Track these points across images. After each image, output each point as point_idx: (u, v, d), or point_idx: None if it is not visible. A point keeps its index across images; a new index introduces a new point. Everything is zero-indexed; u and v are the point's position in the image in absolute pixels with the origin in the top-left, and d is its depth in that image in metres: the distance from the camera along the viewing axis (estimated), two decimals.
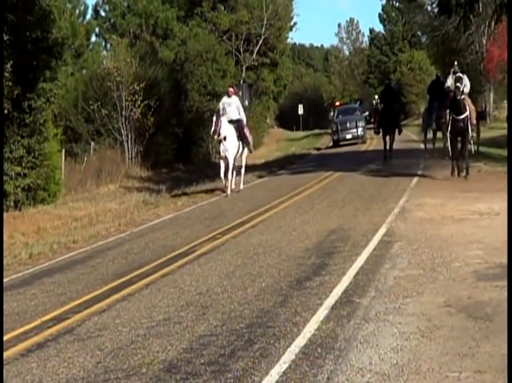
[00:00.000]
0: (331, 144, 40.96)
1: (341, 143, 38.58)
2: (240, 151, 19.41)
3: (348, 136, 38.66)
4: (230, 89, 20.58)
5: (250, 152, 20.38)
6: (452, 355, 5.50)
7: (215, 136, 19.10)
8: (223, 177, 18.96)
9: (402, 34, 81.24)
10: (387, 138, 23.51)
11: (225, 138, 18.71)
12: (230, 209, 15.65)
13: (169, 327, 6.91)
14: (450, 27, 34.86)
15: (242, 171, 19.97)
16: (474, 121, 17.24)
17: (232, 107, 19.46)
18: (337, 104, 50.47)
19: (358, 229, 11.24)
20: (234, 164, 19.11)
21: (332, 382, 5.21)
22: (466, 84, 16.75)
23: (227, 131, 18.78)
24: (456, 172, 16.78)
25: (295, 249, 10.16)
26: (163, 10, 48.09)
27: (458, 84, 16.33)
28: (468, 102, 16.77)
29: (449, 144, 17.11)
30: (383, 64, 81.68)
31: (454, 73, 17.07)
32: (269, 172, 25.43)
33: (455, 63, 17.48)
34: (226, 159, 18.90)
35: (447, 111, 16.85)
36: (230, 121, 19.10)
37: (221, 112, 19.10)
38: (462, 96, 16.38)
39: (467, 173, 16.61)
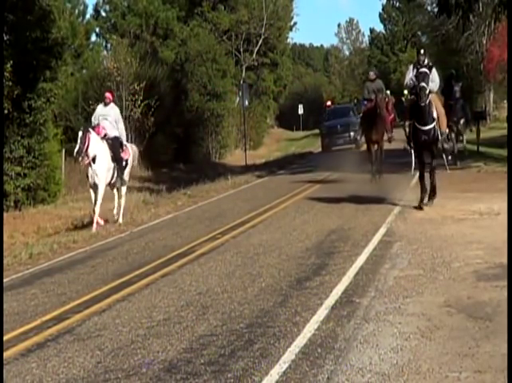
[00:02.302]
0: (320, 149, 35.98)
1: (334, 148, 33.26)
2: (115, 176, 15.27)
3: (339, 141, 33.34)
4: (107, 95, 15.91)
5: (122, 182, 15.72)
6: (452, 355, 5.50)
7: (80, 158, 14.75)
8: (94, 210, 14.91)
9: (402, 34, 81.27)
10: (374, 148, 18.25)
11: (94, 160, 14.57)
12: (230, 209, 15.65)
13: (169, 327, 6.92)
14: (450, 27, 34.88)
15: (122, 201, 15.78)
16: (445, 129, 13.19)
17: (109, 120, 15.23)
18: (328, 103, 43.97)
19: (358, 229, 11.24)
20: (103, 193, 14.99)
21: (332, 382, 5.21)
22: (433, 80, 12.64)
23: (97, 150, 14.63)
24: (425, 199, 12.82)
25: (295, 249, 10.16)
26: (164, 10, 48.12)
27: (423, 84, 12.14)
28: (436, 104, 12.80)
29: (414, 160, 13.33)
30: (383, 64, 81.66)
31: (419, 65, 12.65)
32: (269, 172, 25.46)
33: (421, 51, 13.07)
34: (95, 186, 14.83)
35: (409, 116, 13.08)
36: (105, 138, 15.03)
37: (93, 125, 15.13)
38: (428, 100, 12.28)
39: (432, 197, 12.86)
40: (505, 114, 33.73)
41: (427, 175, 12.80)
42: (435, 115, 12.60)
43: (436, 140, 12.73)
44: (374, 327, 6.31)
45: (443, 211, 12.05)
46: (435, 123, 12.57)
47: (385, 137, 18.36)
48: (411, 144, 13.13)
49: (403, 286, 7.63)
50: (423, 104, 12.25)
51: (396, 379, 5.14)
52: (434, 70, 12.82)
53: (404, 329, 6.19)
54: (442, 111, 13.07)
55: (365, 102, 18.42)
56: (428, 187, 12.87)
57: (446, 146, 13.53)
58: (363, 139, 18.98)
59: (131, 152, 15.84)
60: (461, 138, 20.69)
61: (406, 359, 5.48)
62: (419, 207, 12.56)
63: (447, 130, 13.54)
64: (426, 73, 12.38)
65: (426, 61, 12.79)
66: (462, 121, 20.21)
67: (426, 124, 12.52)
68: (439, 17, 36.14)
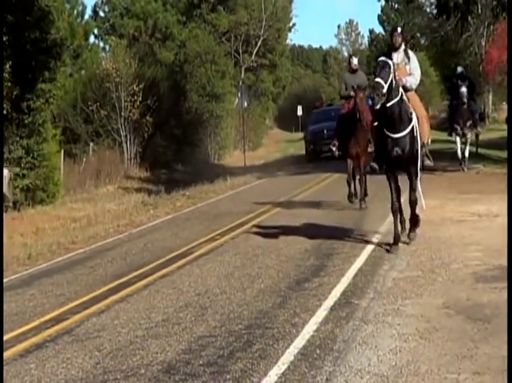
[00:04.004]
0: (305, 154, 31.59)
1: (323, 155, 28.06)
2: None
3: (325, 148, 26.01)
4: None
5: None
6: (451, 356, 5.50)
7: None
8: None
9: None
10: (353, 163, 14.04)
11: None
12: (228, 210, 15.64)
13: (168, 328, 6.91)
14: (449, 29, 34.91)
15: None
16: (427, 139, 9.70)
17: None
18: (317, 104, 38.42)
19: (357, 230, 11.23)
20: None
21: None
22: (411, 72, 9.48)
23: None
24: (400, 233, 9.69)
25: (294, 250, 10.15)
26: (162, 12, 48.15)
27: (377, 79, 8.85)
28: (414, 104, 9.45)
29: (389, 183, 9.75)
30: None
31: (394, 50, 9.59)
32: (268, 173, 25.43)
33: (398, 30, 9.93)
34: None
35: (376, 124, 9.78)
36: None
37: None
38: (394, 99, 8.99)
39: (411, 232, 9.82)
40: (504, 116, 33.73)
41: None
42: (413, 118, 9.26)
43: (414, 154, 9.30)
44: (373, 328, 6.31)
45: (442, 213, 12.05)
46: (411, 127, 9.19)
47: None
48: (382, 162, 9.63)
49: (401, 287, 7.63)
50: (377, 107, 8.99)
51: (395, 380, 5.14)
52: (413, 57, 9.65)
53: (403, 330, 6.20)
54: (423, 113, 9.68)
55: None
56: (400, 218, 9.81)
57: (428, 163, 9.70)
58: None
59: (6, 175, 12.05)
60: (466, 140, 19.19)
61: (405, 360, 5.48)
62: (390, 248, 9.44)
63: (430, 140, 10.01)
64: (385, 62, 8.97)
65: (403, 46, 9.70)
66: (468, 124, 18.94)
67: (398, 131, 9.13)
68: (438, 18, 36.22)
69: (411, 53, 9.72)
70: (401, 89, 9.17)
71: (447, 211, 12.19)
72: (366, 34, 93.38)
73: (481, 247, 9.16)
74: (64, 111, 32.98)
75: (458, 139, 19.13)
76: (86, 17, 45.38)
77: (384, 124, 9.24)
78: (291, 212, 14.08)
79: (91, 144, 33.10)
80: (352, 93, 13.71)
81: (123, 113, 33.35)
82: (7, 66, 20.05)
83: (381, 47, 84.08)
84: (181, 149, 36.43)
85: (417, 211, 9.87)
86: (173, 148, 36.10)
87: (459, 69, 20.14)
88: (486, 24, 35.82)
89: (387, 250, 9.41)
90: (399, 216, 9.74)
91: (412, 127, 9.20)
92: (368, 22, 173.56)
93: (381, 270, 8.45)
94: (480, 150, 22.05)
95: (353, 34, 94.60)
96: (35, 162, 22.07)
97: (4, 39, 21.07)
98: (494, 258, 8.43)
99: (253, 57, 53.20)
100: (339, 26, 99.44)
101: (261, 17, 52.19)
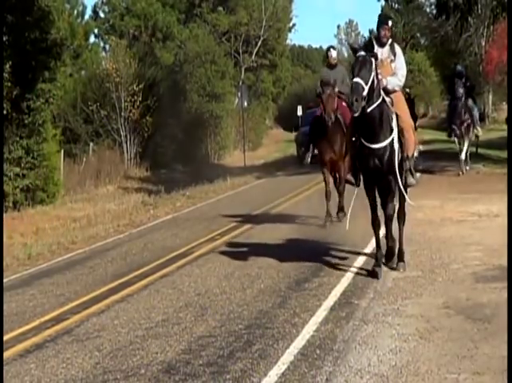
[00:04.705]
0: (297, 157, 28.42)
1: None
2: None
3: (317, 151, 25.12)
4: None
5: None
6: (451, 357, 5.50)
7: None
8: None
9: (401, 36, 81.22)
10: (329, 174, 12.55)
11: None
12: (228, 210, 15.62)
13: (168, 328, 6.91)
14: (449, 29, 34.95)
15: None
16: (412, 152, 8.32)
17: None
18: (311, 105, 37.28)
19: (356, 231, 11.21)
20: None
21: None
22: (396, 71, 8.12)
23: None
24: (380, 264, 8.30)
25: (294, 250, 10.13)
26: (162, 12, 48.15)
27: (356, 79, 7.39)
28: (398, 109, 8.06)
29: (368, 198, 8.38)
30: None
31: (380, 45, 8.11)
32: (267, 173, 25.42)
33: (389, 23, 8.34)
34: None
35: (352, 130, 8.19)
36: None
37: None
38: (375, 104, 7.58)
39: (399, 260, 8.56)
40: (503, 116, 33.71)
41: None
42: (394, 127, 7.87)
43: (394, 168, 7.88)
44: (373, 328, 6.32)
45: (442, 213, 12.06)
46: (392, 138, 7.83)
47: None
48: (358, 174, 8.32)
49: (401, 287, 7.63)
50: (356, 115, 7.51)
51: (395, 381, 5.14)
52: (399, 54, 8.26)
53: (403, 330, 6.20)
54: (408, 122, 8.24)
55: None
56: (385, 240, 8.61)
57: (411, 181, 8.43)
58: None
59: None
60: (463, 141, 18.28)
61: (405, 360, 5.48)
62: (373, 273, 8.20)
63: (417, 153, 8.91)
64: (365, 58, 7.53)
65: (390, 41, 8.26)
66: (466, 124, 18.10)
67: (377, 141, 7.78)
68: (437, 18, 36.25)
69: (397, 48, 8.34)
70: (382, 92, 7.79)
71: (447, 211, 12.19)
72: (366, 34, 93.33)
73: (481, 247, 9.16)
74: (65, 111, 32.99)
75: (457, 140, 18.52)
76: (86, 17, 45.48)
77: (361, 131, 7.84)
78: (291, 212, 14.07)
79: (91, 144, 33.11)
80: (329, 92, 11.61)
81: (123, 113, 33.35)
82: (7, 66, 20.06)
83: None
84: (181, 149, 36.39)
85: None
86: (173, 148, 36.08)
87: (459, 67, 19.50)
88: (486, 24, 35.83)
89: (373, 274, 8.19)
90: (378, 233, 8.57)
91: (393, 138, 7.84)
92: (368, 22, 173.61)
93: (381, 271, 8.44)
94: (480, 150, 22.05)
95: (353, 34, 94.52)
96: (35, 162, 22.08)
97: (4, 39, 21.08)
98: (494, 258, 8.43)
99: (253, 57, 53.17)
100: (339, 26, 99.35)
101: (262, 17, 52.16)
